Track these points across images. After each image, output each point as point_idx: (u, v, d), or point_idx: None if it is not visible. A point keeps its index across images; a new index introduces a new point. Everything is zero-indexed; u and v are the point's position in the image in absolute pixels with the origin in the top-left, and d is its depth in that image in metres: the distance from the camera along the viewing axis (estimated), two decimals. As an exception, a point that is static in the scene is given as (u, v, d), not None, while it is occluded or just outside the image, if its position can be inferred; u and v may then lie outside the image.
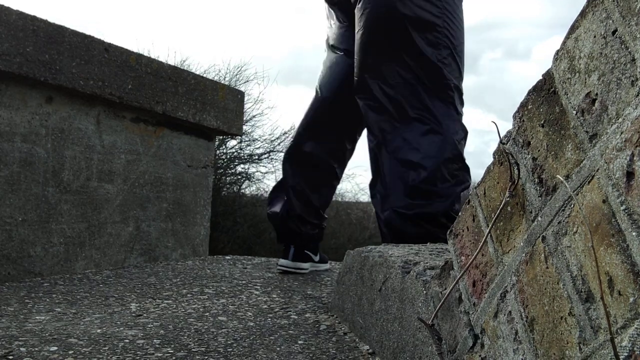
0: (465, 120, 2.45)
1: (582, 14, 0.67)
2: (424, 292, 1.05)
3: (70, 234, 2.19)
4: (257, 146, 8.08)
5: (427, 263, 1.17)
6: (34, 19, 2.02)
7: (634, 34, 0.59)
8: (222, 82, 6.11)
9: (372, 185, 1.97)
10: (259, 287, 2.00)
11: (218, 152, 7.49)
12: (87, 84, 2.18)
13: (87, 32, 2.22)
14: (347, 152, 2.25)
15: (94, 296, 1.80)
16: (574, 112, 0.67)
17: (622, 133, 0.59)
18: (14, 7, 1.95)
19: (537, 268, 0.73)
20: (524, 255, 0.76)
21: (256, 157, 8.07)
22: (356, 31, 1.96)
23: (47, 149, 2.11)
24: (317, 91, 2.19)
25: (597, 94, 0.64)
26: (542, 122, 0.74)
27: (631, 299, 0.55)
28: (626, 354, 0.55)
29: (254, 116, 7.93)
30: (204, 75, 2.98)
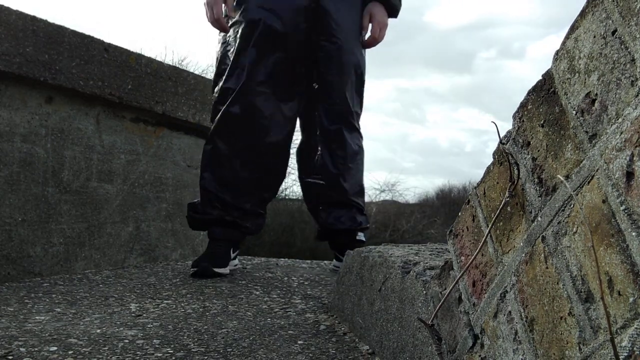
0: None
1: (582, 14, 0.67)
2: (424, 292, 1.05)
3: (70, 234, 2.19)
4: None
5: (427, 263, 1.17)
6: (33, 19, 2.02)
7: (633, 34, 0.59)
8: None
9: None
10: (258, 287, 2.00)
11: (218, 152, 7.46)
12: (86, 84, 2.18)
13: (87, 32, 2.22)
14: None
15: (94, 296, 1.80)
16: (574, 112, 0.67)
17: (621, 133, 0.59)
18: (14, 7, 1.95)
19: (537, 268, 0.73)
20: (523, 255, 0.76)
21: (255, 157, 8.04)
22: None
23: (47, 149, 2.11)
24: None
25: (596, 94, 0.64)
26: (541, 122, 0.74)
27: (631, 299, 0.56)
28: (626, 354, 0.55)
29: (253, 116, 7.90)
30: (203, 75, 2.98)
